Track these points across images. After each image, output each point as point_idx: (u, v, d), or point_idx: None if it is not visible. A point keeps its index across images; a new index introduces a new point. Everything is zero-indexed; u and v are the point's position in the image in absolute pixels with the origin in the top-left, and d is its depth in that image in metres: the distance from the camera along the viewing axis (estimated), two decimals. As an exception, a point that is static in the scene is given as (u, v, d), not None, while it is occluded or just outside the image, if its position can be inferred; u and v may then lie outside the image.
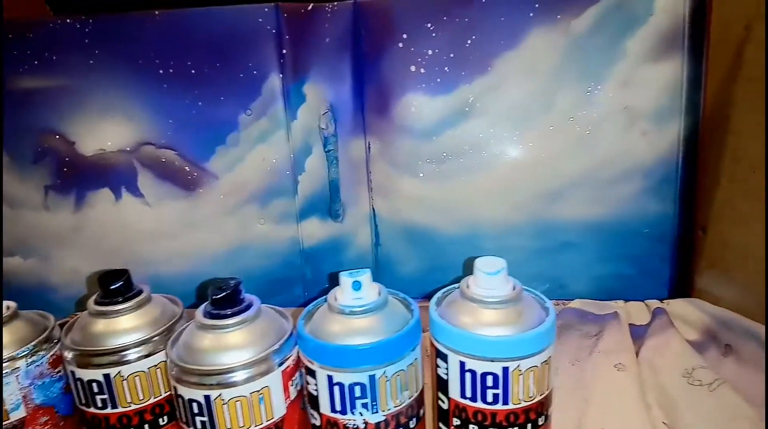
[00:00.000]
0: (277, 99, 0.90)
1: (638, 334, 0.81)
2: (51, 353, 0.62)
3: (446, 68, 0.87)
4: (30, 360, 0.60)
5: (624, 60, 0.84)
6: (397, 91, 0.90)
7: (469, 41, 0.86)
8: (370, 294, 0.57)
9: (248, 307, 0.56)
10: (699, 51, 0.83)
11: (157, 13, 0.87)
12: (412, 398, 0.57)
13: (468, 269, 0.58)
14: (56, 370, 0.63)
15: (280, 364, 0.55)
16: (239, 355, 0.53)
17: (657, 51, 0.83)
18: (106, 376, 0.58)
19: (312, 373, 0.56)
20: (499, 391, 0.54)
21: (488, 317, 0.55)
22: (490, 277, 0.56)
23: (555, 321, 0.56)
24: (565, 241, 0.91)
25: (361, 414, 0.55)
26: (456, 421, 0.57)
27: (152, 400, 0.60)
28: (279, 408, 0.56)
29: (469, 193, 0.92)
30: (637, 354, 0.77)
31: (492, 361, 0.53)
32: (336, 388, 0.54)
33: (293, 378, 0.57)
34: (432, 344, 0.58)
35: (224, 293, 0.55)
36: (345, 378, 0.54)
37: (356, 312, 0.55)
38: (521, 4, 0.84)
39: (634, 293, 0.91)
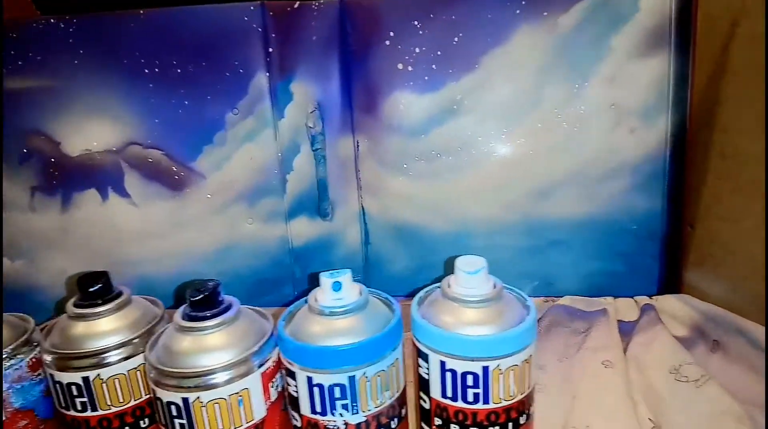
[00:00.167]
0: (264, 98, 0.89)
1: (626, 330, 0.81)
2: (30, 356, 0.62)
3: (434, 66, 0.87)
4: (8, 363, 0.60)
5: (611, 57, 0.83)
6: (385, 89, 0.90)
7: (456, 39, 0.86)
8: (350, 294, 0.56)
9: (227, 308, 0.56)
10: (685, 47, 0.83)
11: (142, 12, 0.87)
12: (394, 398, 0.57)
13: (450, 268, 0.58)
14: (36, 374, 0.62)
15: (260, 366, 0.55)
16: (218, 357, 0.53)
17: (644, 47, 0.83)
18: (85, 379, 0.58)
19: (292, 374, 0.55)
20: (480, 390, 0.54)
21: (469, 316, 0.55)
22: (471, 277, 0.56)
23: (535, 319, 0.56)
24: (554, 239, 0.91)
25: (341, 415, 0.54)
26: (437, 421, 0.57)
27: (132, 403, 0.60)
28: (259, 410, 0.55)
29: (458, 191, 0.92)
30: (624, 350, 0.77)
31: (472, 360, 0.53)
32: (316, 390, 0.54)
33: (273, 379, 0.57)
34: (413, 344, 0.58)
35: (202, 295, 0.54)
36: (324, 379, 0.54)
37: (336, 313, 0.55)
38: (508, 1, 0.84)
39: (624, 290, 0.91)
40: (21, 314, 0.67)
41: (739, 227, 0.78)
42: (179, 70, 0.88)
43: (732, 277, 0.80)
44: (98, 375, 0.58)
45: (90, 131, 0.91)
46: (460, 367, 0.54)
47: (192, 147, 0.91)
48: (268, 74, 0.89)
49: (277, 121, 0.90)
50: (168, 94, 0.89)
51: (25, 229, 0.94)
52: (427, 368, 0.56)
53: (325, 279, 0.56)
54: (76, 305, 0.60)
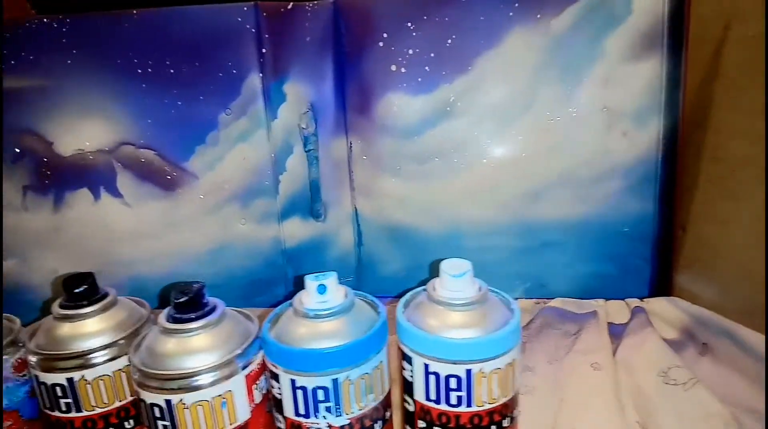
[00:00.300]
0: (257, 98, 0.90)
1: (617, 333, 0.81)
2: (15, 357, 0.62)
3: (427, 68, 0.87)
4: (-6, 364, 0.60)
5: (604, 59, 0.83)
6: (379, 91, 0.90)
7: (449, 40, 0.86)
8: (335, 297, 0.56)
9: (211, 310, 0.56)
10: (678, 50, 0.83)
11: (135, 12, 0.87)
12: (378, 401, 0.57)
13: (436, 271, 0.58)
14: (21, 375, 0.62)
15: (244, 368, 0.55)
16: (201, 359, 0.53)
17: (636, 50, 0.83)
18: (70, 380, 0.58)
19: (276, 376, 0.55)
20: (463, 393, 0.54)
21: (453, 319, 0.55)
22: (455, 280, 0.56)
23: (519, 323, 0.56)
24: (547, 240, 0.91)
25: (324, 417, 0.55)
26: (421, 423, 0.57)
27: (117, 404, 0.60)
28: (243, 412, 0.55)
29: (451, 193, 0.92)
30: (614, 353, 0.77)
31: (454, 363, 0.53)
32: (299, 392, 0.54)
33: (258, 381, 0.57)
34: (398, 347, 0.58)
35: (186, 297, 0.54)
36: (308, 382, 0.54)
37: (321, 315, 0.55)
38: (501, 3, 0.84)
39: (615, 292, 0.91)
40: (7, 315, 0.67)
41: (730, 231, 0.78)
42: (172, 71, 0.89)
43: (722, 280, 0.80)
44: (83, 376, 0.58)
45: (82, 131, 0.91)
46: (443, 370, 0.54)
47: (185, 147, 0.91)
48: (261, 75, 0.89)
49: (270, 122, 0.90)
50: (161, 94, 0.89)
51: (17, 228, 0.93)
52: (411, 371, 0.56)
53: (310, 282, 0.56)
54: (61, 306, 0.60)
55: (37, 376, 0.59)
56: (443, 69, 0.87)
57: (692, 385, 0.69)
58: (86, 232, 0.94)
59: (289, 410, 0.56)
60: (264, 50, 0.88)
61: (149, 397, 0.53)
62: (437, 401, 0.55)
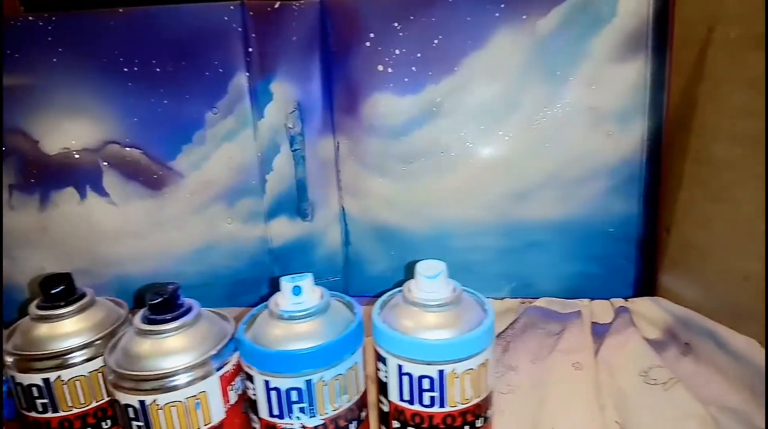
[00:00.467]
0: (243, 97, 0.90)
1: (600, 332, 0.81)
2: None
3: (413, 68, 0.87)
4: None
5: (589, 60, 0.83)
6: (365, 91, 0.90)
7: (435, 41, 0.86)
8: (310, 299, 0.57)
9: (187, 311, 0.56)
10: (662, 52, 0.83)
11: (121, 10, 0.87)
12: (353, 402, 0.57)
13: (412, 273, 0.58)
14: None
15: (219, 369, 0.55)
16: (176, 360, 0.54)
17: (621, 51, 0.83)
18: (46, 381, 0.58)
19: (250, 377, 0.56)
20: (436, 393, 0.54)
21: (427, 320, 0.55)
22: (430, 281, 0.56)
23: (493, 324, 0.56)
24: (532, 241, 0.91)
25: (298, 418, 0.55)
26: (395, 424, 0.58)
27: (94, 404, 0.61)
28: (218, 412, 0.56)
29: (437, 193, 0.92)
30: (596, 353, 0.77)
31: (427, 364, 0.54)
32: (273, 393, 0.54)
33: (233, 382, 0.57)
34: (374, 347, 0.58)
35: (161, 298, 0.55)
36: (281, 383, 0.54)
37: (296, 317, 0.55)
38: (487, 4, 0.84)
39: (600, 292, 0.91)
40: None
41: (713, 232, 0.78)
42: (158, 69, 0.88)
43: (705, 281, 0.80)
44: (59, 376, 0.58)
45: (68, 130, 0.90)
46: (416, 370, 0.54)
47: (171, 146, 0.91)
48: (248, 74, 0.89)
49: (257, 121, 0.90)
50: (147, 93, 0.89)
51: (3, 227, 0.93)
52: (386, 371, 0.56)
53: (285, 283, 0.56)
54: (38, 307, 0.60)
55: (13, 377, 0.59)
56: (430, 69, 0.87)
57: (672, 384, 0.69)
58: (72, 231, 0.93)
59: (263, 411, 0.56)
60: (251, 49, 0.88)
61: (123, 397, 0.54)
62: (411, 402, 0.55)
